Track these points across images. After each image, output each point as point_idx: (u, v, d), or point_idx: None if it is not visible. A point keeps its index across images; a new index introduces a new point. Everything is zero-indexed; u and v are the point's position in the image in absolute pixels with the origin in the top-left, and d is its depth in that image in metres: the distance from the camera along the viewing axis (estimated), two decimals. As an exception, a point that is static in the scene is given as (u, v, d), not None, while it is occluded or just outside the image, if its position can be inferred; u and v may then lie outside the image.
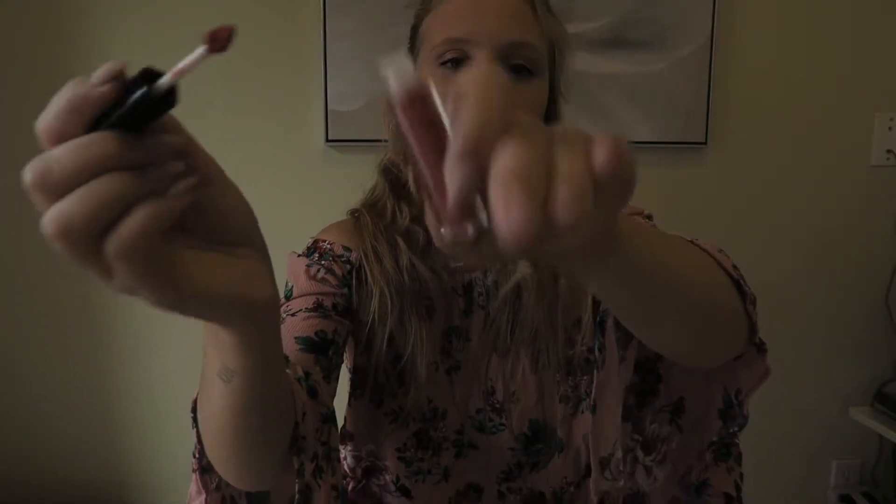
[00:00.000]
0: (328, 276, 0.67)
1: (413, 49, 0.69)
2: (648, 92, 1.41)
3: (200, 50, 0.29)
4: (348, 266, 0.69)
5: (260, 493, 0.54)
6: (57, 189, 0.26)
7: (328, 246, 0.70)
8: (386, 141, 0.75)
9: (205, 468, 0.51)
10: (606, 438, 0.63)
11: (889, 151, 1.55)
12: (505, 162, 0.24)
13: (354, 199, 0.83)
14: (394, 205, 0.71)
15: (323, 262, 0.68)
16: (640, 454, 0.65)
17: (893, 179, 1.57)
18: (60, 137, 0.26)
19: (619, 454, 0.62)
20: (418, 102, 0.25)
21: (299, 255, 0.71)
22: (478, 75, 0.25)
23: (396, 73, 0.25)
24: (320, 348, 0.62)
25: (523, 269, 0.66)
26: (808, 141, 1.53)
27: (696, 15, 1.40)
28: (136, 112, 0.27)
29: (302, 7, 1.33)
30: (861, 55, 1.51)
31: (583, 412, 0.68)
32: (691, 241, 0.50)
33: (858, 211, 1.57)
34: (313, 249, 0.71)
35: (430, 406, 0.69)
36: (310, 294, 0.66)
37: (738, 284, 0.50)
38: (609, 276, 0.36)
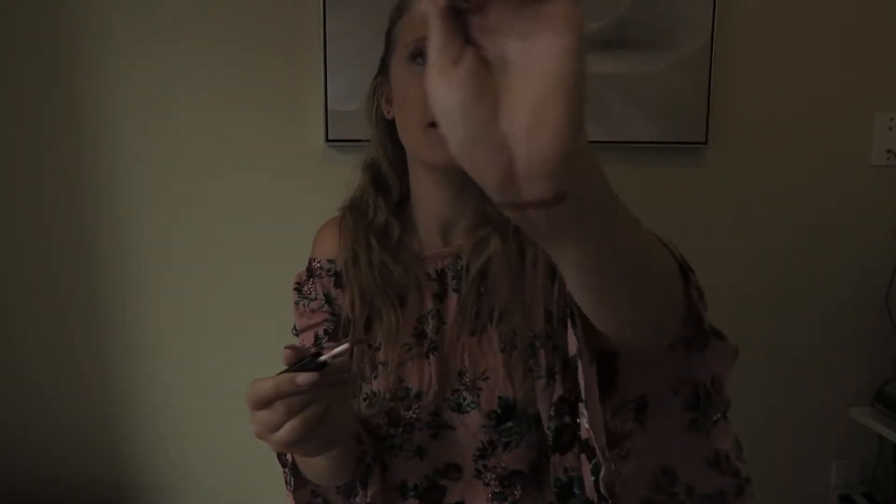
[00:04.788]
0: (314, 305, 0.78)
1: (388, 53, 0.76)
2: (648, 92, 1.41)
3: (345, 345, 0.52)
4: (333, 276, 0.78)
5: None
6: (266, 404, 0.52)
7: (317, 265, 0.79)
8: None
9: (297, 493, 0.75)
10: (598, 429, 0.63)
11: (889, 151, 1.55)
12: None
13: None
14: (374, 200, 0.77)
15: (309, 287, 0.79)
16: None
17: (893, 179, 1.57)
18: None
19: (603, 440, 0.63)
20: None
21: (294, 287, 0.80)
22: None
23: None
24: None
25: (494, 246, 0.71)
26: (808, 141, 1.53)
27: (696, 15, 1.40)
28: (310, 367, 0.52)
29: (302, 7, 1.33)
30: (861, 55, 1.51)
31: (547, 387, 0.69)
32: None
33: (858, 211, 1.57)
34: (308, 274, 0.80)
35: (401, 385, 0.72)
36: (308, 328, 0.78)
37: (684, 272, 0.54)
38: (579, 228, 0.35)
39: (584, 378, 0.57)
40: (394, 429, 0.72)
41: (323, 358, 0.51)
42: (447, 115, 0.29)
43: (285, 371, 0.51)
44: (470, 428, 0.71)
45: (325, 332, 0.77)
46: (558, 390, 0.68)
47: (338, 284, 0.77)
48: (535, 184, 0.30)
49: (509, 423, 0.70)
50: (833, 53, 1.50)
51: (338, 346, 0.52)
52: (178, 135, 1.36)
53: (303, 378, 0.50)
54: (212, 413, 1.43)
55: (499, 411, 0.70)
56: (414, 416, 0.71)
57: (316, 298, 0.78)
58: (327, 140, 1.35)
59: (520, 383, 0.69)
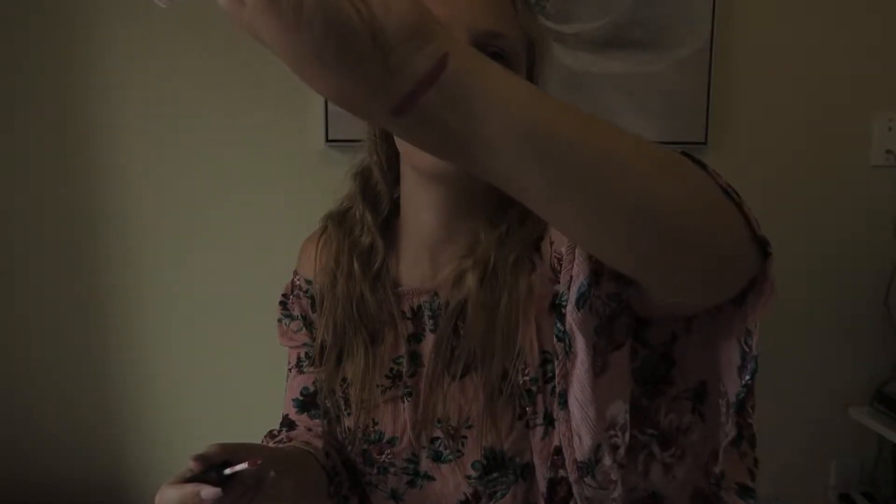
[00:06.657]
0: (294, 326, 0.76)
1: None
2: (648, 92, 1.41)
3: (244, 465, 0.52)
4: (310, 299, 0.75)
5: None
6: None
7: (298, 281, 0.76)
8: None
9: None
10: (581, 439, 0.56)
11: (889, 151, 1.55)
12: None
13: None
14: (362, 215, 0.70)
15: (291, 304, 0.76)
16: (656, 450, 0.59)
17: (893, 180, 1.57)
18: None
19: (607, 461, 0.55)
20: None
21: (280, 301, 0.78)
22: None
23: None
24: (308, 404, 0.76)
25: (470, 282, 0.64)
26: (807, 141, 1.53)
27: (696, 15, 1.40)
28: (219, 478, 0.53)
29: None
30: (860, 55, 1.51)
31: (534, 429, 0.63)
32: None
33: (858, 211, 1.57)
34: (290, 289, 0.77)
35: (374, 428, 0.68)
36: (292, 348, 0.77)
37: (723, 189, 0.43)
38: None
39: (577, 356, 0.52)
40: (369, 468, 0.70)
41: (228, 472, 0.52)
42: (302, 48, 0.29)
43: (192, 478, 0.52)
44: (451, 480, 0.66)
45: (307, 355, 0.75)
46: (556, 439, 0.61)
47: (315, 308, 0.73)
48: (414, 54, 0.30)
49: (495, 474, 0.64)
50: (833, 54, 1.50)
51: (240, 465, 0.53)
52: (179, 135, 1.36)
53: (206, 493, 0.51)
54: (212, 414, 1.43)
55: (484, 462, 0.64)
56: (387, 460, 0.68)
57: (296, 319, 0.76)
58: (327, 140, 1.35)
59: (507, 432, 0.63)
